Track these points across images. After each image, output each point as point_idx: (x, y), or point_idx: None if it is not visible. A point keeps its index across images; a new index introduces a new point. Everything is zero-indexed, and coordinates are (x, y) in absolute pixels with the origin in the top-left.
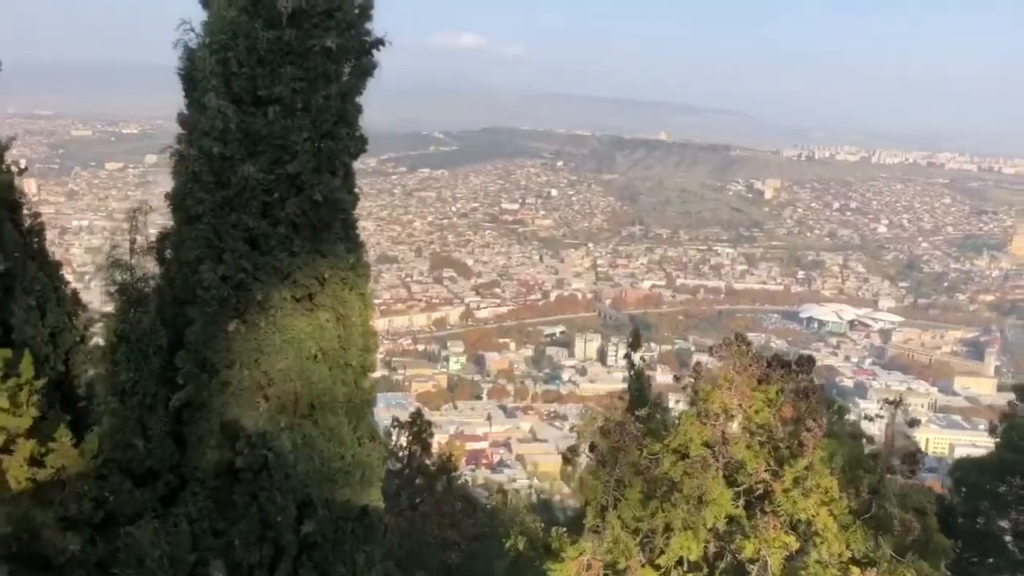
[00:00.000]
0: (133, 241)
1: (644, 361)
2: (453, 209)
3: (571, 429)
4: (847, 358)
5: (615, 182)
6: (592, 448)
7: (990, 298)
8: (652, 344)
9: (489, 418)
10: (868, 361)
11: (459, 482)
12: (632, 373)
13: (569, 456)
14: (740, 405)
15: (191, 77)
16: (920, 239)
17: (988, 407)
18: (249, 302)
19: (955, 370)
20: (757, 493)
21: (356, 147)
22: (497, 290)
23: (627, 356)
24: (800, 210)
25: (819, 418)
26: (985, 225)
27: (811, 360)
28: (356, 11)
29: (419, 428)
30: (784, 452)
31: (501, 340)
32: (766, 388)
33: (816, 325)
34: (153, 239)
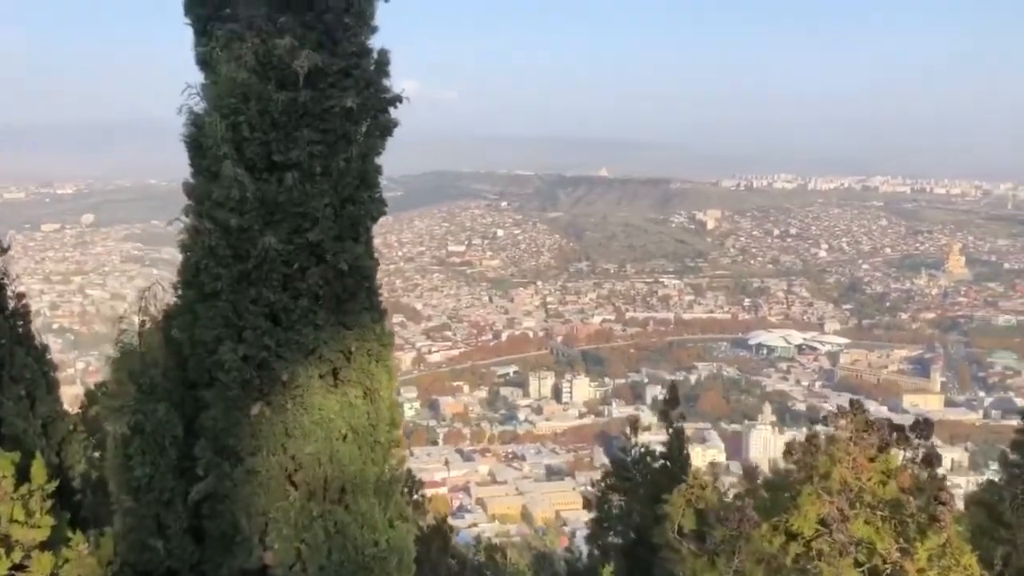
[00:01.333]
0: (143, 323)
1: (683, 419)
2: (399, 254)
3: (664, 508)
4: (798, 382)
5: (560, 220)
6: (701, 536)
7: (931, 315)
8: (606, 379)
9: (447, 463)
10: (818, 384)
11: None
12: (671, 433)
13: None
14: (859, 478)
15: (199, 144)
16: (860, 261)
17: (938, 422)
18: (273, 382)
19: (903, 388)
20: (884, 574)
21: (377, 210)
22: (448, 333)
23: (664, 414)
24: (742, 239)
25: (947, 489)
26: (921, 245)
27: (929, 424)
28: (373, 67)
29: (410, 488)
30: (912, 528)
31: (454, 383)
32: (886, 458)
33: (765, 351)
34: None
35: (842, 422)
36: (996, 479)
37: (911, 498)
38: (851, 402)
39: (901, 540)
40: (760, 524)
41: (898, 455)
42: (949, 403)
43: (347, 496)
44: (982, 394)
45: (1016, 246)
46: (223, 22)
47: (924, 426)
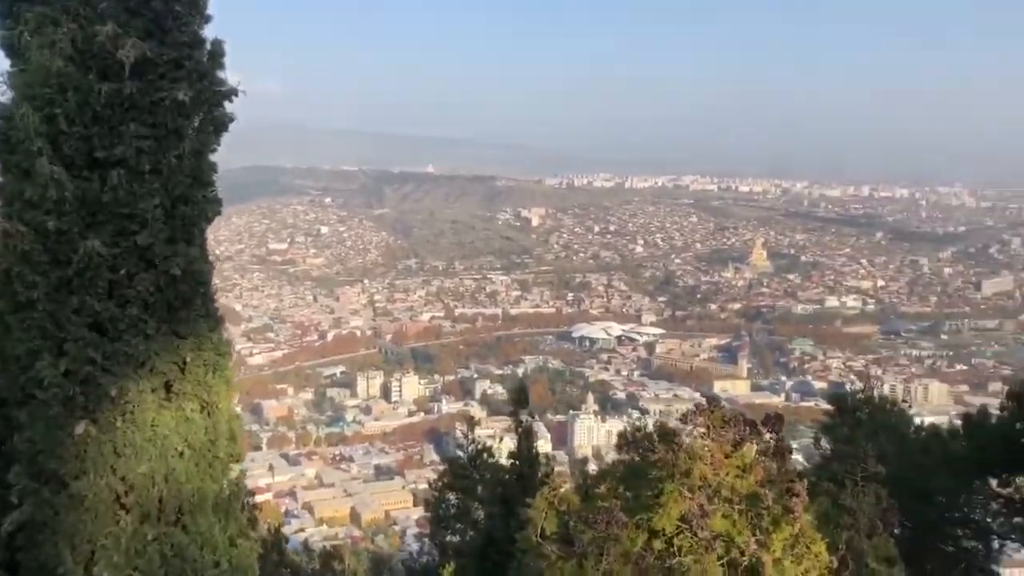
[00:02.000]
0: None
1: (532, 418)
2: (216, 253)
3: (527, 512)
4: (618, 372)
5: (386, 216)
6: (567, 539)
7: (738, 306)
8: (436, 376)
9: (271, 468)
10: (637, 373)
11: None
12: (521, 432)
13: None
14: (717, 474)
15: (7, 138)
16: (673, 256)
17: (745, 405)
18: (100, 398)
19: (713, 375)
20: (743, 566)
21: (212, 210)
22: (270, 334)
23: (513, 414)
24: (565, 235)
25: (799, 480)
26: (728, 240)
27: (780, 418)
28: (207, 58)
29: (246, 502)
30: (767, 519)
31: (278, 386)
32: (742, 453)
33: (588, 343)
34: None
35: (700, 419)
36: (806, 461)
37: (766, 491)
38: (708, 399)
39: (758, 532)
40: (627, 524)
41: (752, 449)
42: (755, 387)
43: (185, 516)
44: (784, 378)
45: (812, 240)
46: (32, 4)
47: (775, 421)
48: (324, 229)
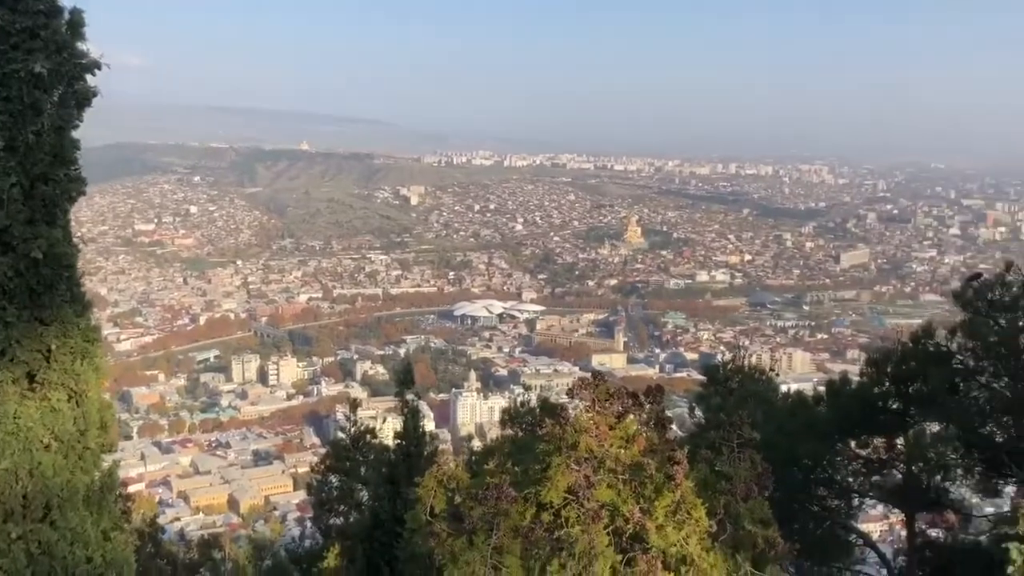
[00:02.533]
0: None
1: (418, 397)
2: (78, 234)
3: (416, 490)
4: (500, 349)
5: (259, 195)
6: (457, 516)
7: (614, 282)
8: (315, 358)
9: (143, 457)
10: (519, 350)
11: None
12: (407, 412)
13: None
14: (602, 445)
15: None
16: (552, 234)
17: (622, 378)
18: None
19: (592, 349)
20: (627, 533)
21: (76, 189)
22: (139, 319)
23: (399, 393)
24: (445, 214)
25: (679, 448)
26: (604, 217)
27: (660, 389)
28: (66, 28)
29: (120, 493)
30: (650, 488)
31: (148, 372)
32: (625, 424)
33: (470, 321)
34: None
35: (585, 392)
36: (680, 431)
37: (649, 460)
38: (593, 373)
39: (641, 500)
40: (516, 499)
41: (634, 421)
42: (631, 360)
43: (53, 512)
44: (658, 351)
45: (683, 217)
46: None
47: (656, 392)
48: (193, 209)
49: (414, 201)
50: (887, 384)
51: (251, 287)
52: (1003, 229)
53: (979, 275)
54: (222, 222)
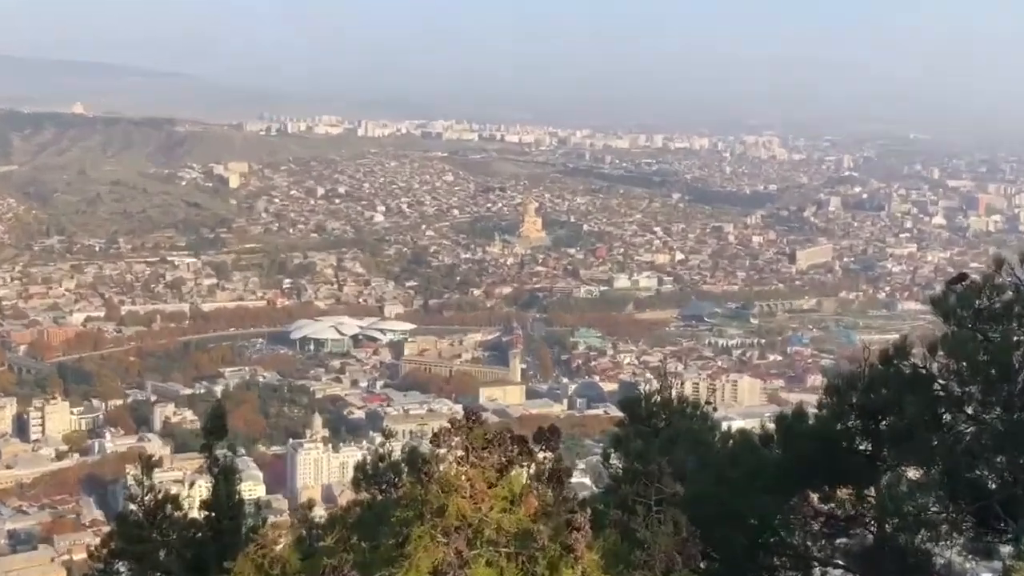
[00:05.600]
0: None
1: (234, 453)
2: None
3: None
4: (355, 383)
5: (15, 176)
6: None
7: (508, 290)
8: (95, 401)
9: None
10: (380, 384)
11: None
12: (218, 473)
13: None
14: (479, 509)
15: None
16: (424, 227)
17: (519, 418)
18: None
19: (479, 380)
20: None
21: None
22: None
23: (206, 449)
24: (277, 200)
25: (581, 510)
26: (494, 205)
27: (556, 432)
28: None
29: None
30: (542, 564)
31: None
32: (509, 479)
33: (313, 346)
34: None
35: (456, 438)
36: (594, 484)
37: (540, 526)
38: (466, 412)
39: None
40: None
41: (522, 475)
42: (532, 394)
43: None
44: (566, 381)
45: (596, 204)
46: None
47: (550, 436)
48: None
49: (234, 183)
50: (853, 418)
51: (4, 303)
52: (998, 218)
53: (964, 276)
54: None
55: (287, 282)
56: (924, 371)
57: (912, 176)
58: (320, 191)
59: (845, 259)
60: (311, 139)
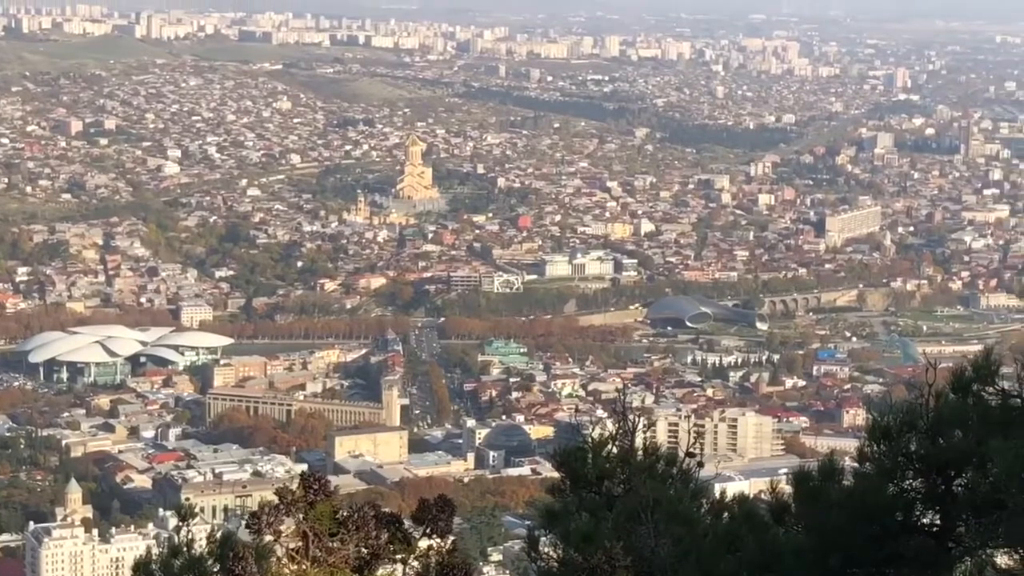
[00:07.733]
0: None
1: None
2: None
3: None
4: (134, 431)
5: None
6: None
7: (380, 282)
8: None
9: None
10: (175, 433)
11: None
12: None
13: None
14: None
15: None
16: (244, 182)
17: (397, 484)
18: None
19: (335, 425)
20: None
21: None
22: None
23: None
24: (5, 141)
25: None
26: (356, 147)
27: (446, 505)
28: None
29: None
30: None
31: None
32: None
33: (66, 373)
34: None
35: (288, 522)
36: None
37: None
38: (305, 478)
39: None
40: None
41: (396, 571)
42: (419, 445)
43: None
44: (471, 423)
45: (517, 146)
46: None
47: (440, 511)
48: None
49: None
50: (912, 476)
51: None
52: None
53: None
54: None
55: (22, 272)
56: (1021, 402)
57: (1001, 101)
58: (76, 127)
59: (900, 229)
60: (60, 44)
